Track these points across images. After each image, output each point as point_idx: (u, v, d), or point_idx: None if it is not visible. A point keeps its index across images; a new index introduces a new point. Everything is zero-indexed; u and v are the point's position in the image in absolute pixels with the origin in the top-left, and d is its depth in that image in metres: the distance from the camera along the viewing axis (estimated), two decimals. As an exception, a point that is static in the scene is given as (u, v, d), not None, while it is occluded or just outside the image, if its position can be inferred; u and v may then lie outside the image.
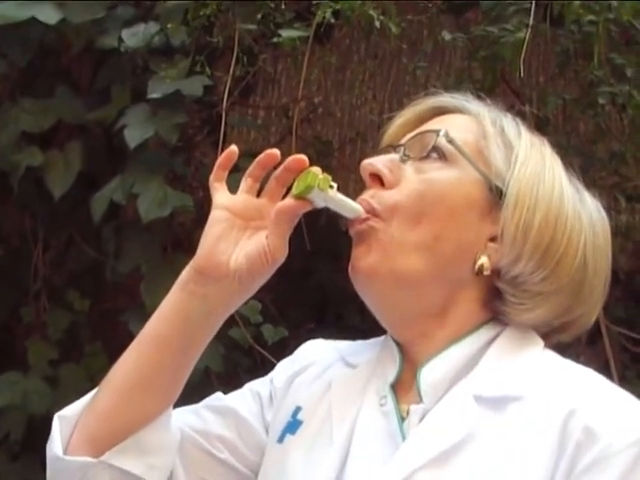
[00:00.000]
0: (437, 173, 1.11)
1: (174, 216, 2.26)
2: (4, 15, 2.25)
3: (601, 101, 2.21)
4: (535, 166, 1.12)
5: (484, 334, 1.11)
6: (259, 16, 1.99)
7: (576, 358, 1.09)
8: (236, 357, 2.41)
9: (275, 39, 1.96)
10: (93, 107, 2.38)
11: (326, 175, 1.06)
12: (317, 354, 1.27)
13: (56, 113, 2.40)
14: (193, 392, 2.56)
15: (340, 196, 1.08)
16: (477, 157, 1.12)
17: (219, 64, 2.25)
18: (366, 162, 1.12)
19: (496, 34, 2.16)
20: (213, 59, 2.20)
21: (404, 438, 1.07)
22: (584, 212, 1.13)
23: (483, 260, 1.09)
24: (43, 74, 2.45)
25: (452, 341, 1.10)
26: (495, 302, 1.11)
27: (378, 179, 1.11)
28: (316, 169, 1.06)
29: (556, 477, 0.96)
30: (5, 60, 2.38)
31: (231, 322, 2.25)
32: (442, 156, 1.11)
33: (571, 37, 2.25)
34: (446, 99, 1.19)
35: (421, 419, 1.07)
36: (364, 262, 1.10)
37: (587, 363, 1.06)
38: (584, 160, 2.56)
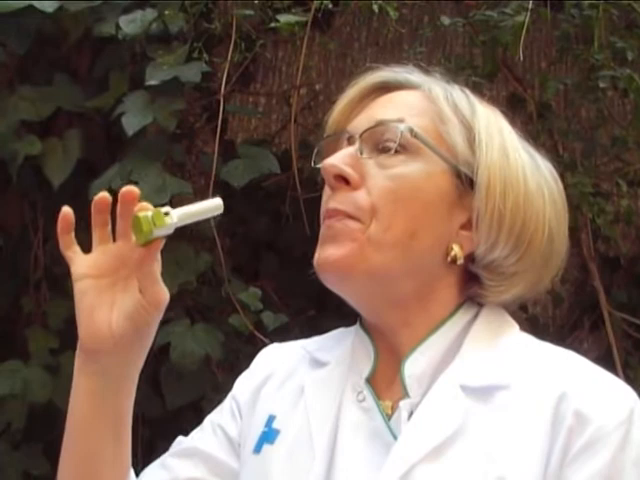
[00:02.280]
0: (404, 168, 1.09)
1: (179, 203, 2.27)
2: (2, 4, 2.26)
3: (602, 85, 2.21)
4: (499, 147, 1.11)
5: (461, 317, 1.11)
6: (256, 1, 1.98)
7: (579, 345, 1.09)
8: (236, 344, 2.41)
9: (273, 24, 1.96)
10: (92, 95, 2.39)
11: (157, 209, 1.03)
12: (276, 361, 1.25)
13: (55, 101, 2.40)
14: (194, 380, 2.57)
15: (187, 209, 1.05)
16: (439, 144, 1.10)
17: (218, 51, 2.25)
18: (328, 163, 1.10)
19: (496, 18, 2.16)
20: (212, 46, 2.20)
21: (394, 435, 1.07)
22: (543, 182, 1.13)
23: (456, 250, 1.09)
24: (41, 62, 2.45)
25: (432, 329, 1.10)
26: (471, 285, 1.12)
27: (343, 179, 1.09)
28: (142, 212, 1.02)
29: (551, 461, 0.98)
30: (3, 49, 2.39)
31: (231, 309, 2.26)
32: (405, 149, 1.09)
33: (571, 21, 2.25)
34: (389, 74, 1.16)
35: (410, 414, 1.06)
36: (338, 261, 1.09)
37: (590, 350, 1.06)
38: (586, 145, 2.56)
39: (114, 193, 2.24)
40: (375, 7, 1.91)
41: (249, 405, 1.22)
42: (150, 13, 2.24)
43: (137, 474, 1.19)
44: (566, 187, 1.16)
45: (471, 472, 1.00)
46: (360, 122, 1.12)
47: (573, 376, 1.04)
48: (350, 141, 1.12)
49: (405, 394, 1.07)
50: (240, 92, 2.72)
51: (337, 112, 1.17)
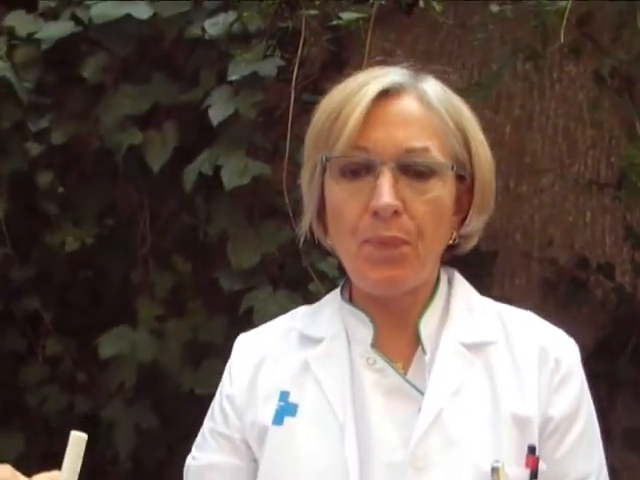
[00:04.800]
0: (436, 192, 1.29)
1: (259, 184, 2.57)
2: (103, 14, 2.64)
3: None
4: (481, 141, 1.34)
5: (443, 281, 1.38)
6: (318, 2, 2.26)
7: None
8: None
9: (335, 22, 2.24)
10: (185, 90, 2.72)
11: None
12: (261, 344, 1.43)
13: (153, 97, 2.74)
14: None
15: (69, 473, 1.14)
16: (448, 156, 1.31)
17: (293, 46, 2.54)
18: (385, 204, 1.25)
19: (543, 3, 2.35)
20: (285, 42, 2.50)
21: (415, 388, 1.31)
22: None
23: (455, 234, 1.35)
24: (141, 63, 2.79)
25: (429, 294, 1.36)
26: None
27: (395, 211, 1.27)
28: None
29: (541, 393, 1.32)
30: (107, 53, 2.76)
31: (309, 277, 2.54)
32: (433, 173, 1.29)
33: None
34: (388, 81, 1.30)
35: (429, 366, 1.31)
36: (397, 281, 1.30)
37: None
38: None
39: (205, 177, 2.55)
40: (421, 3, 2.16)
41: (247, 391, 1.39)
42: (231, 15, 2.57)
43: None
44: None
45: (484, 408, 1.30)
46: (384, 146, 1.28)
47: (542, 331, 1.37)
48: (377, 166, 1.28)
49: (422, 352, 1.32)
50: (329, 80, 2.99)
51: (349, 129, 1.28)
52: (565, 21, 2.24)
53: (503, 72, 2.49)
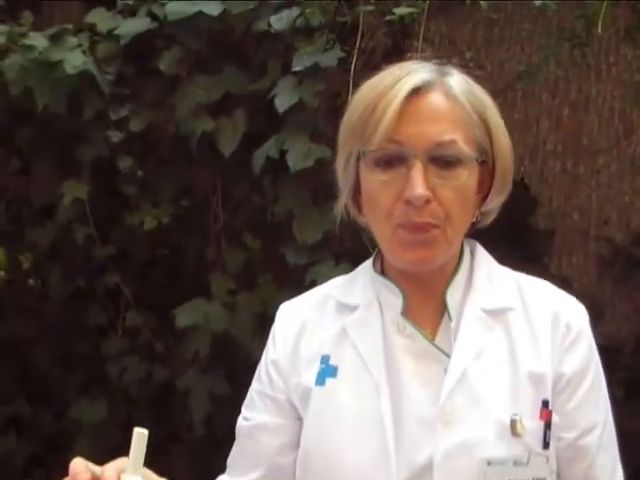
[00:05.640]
0: (462, 179, 1.43)
1: (322, 166, 2.83)
2: (177, 11, 2.92)
3: None
4: (503, 131, 1.48)
5: (466, 254, 1.54)
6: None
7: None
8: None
9: (388, 17, 2.52)
10: (253, 80, 2.97)
11: None
12: (302, 313, 1.57)
13: (224, 87, 2.99)
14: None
15: (135, 464, 1.27)
16: (472, 146, 1.44)
17: (352, 39, 2.82)
18: (418, 195, 1.39)
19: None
20: (345, 36, 2.78)
21: (442, 351, 1.46)
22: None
23: (477, 213, 1.50)
24: (212, 56, 3.04)
25: (455, 266, 1.52)
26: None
27: (426, 200, 1.41)
28: None
29: (554, 355, 1.48)
30: (181, 46, 3.02)
31: (368, 252, 2.81)
32: (459, 162, 1.43)
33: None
34: (418, 79, 1.43)
35: (455, 331, 1.47)
36: (429, 260, 1.45)
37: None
38: None
39: (272, 161, 2.81)
40: (470, -1, 2.41)
41: (291, 355, 1.53)
42: (295, 11, 2.83)
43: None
44: None
45: (503, 368, 1.46)
46: (415, 141, 1.41)
47: (555, 298, 1.53)
48: (410, 158, 1.41)
49: (449, 319, 1.48)
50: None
51: (385, 124, 1.40)
52: (604, 9, 2.46)
53: (549, 59, 2.71)
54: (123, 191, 3.15)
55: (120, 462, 1.29)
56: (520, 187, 3.53)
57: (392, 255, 1.47)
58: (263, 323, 2.96)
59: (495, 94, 1.52)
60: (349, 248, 2.83)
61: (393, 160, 1.42)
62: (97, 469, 1.27)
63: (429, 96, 1.43)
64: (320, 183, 2.82)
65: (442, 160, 1.42)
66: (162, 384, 3.28)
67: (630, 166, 3.66)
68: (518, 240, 3.49)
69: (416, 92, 1.42)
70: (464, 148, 1.43)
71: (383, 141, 1.41)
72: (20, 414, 3.51)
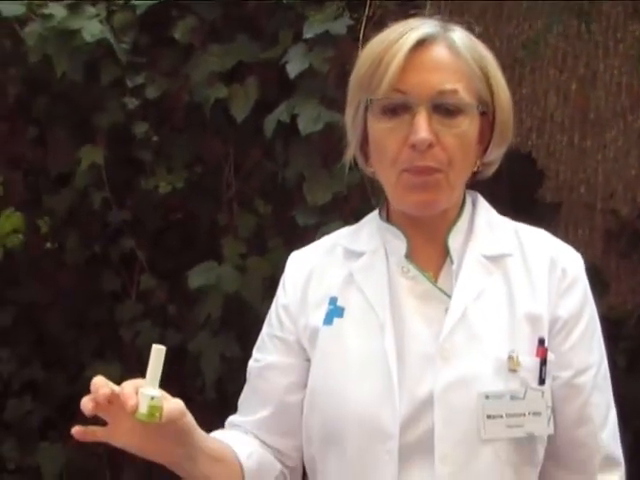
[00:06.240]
0: (463, 127, 1.53)
1: (332, 130, 2.89)
2: (192, -20, 3.06)
3: None
4: (503, 85, 1.58)
5: (468, 202, 1.64)
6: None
7: None
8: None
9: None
10: (265, 48, 3.11)
11: (151, 403, 1.35)
12: (310, 260, 1.67)
13: (237, 55, 3.12)
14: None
15: (153, 377, 1.38)
16: (473, 96, 1.54)
17: (361, 7, 2.97)
18: (422, 138, 1.49)
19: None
20: (355, 4, 2.94)
21: (444, 292, 1.56)
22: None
23: (478, 162, 1.60)
24: (226, 25, 3.18)
25: (457, 214, 1.61)
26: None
27: (429, 144, 1.50)
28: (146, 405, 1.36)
29: (551, 298, 1.59)
30: (196, 16, 3.16)
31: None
32: (460, 111, 1.53)
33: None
34: (423, 32, 1.53)
35: (456, 274, 1.57)
36: (432, 203, 1.55)
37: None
38: None
39: (282, 125, 2.93)
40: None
41: (300, 299, 1.63)
42: (306, -19, 3.00)
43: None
44: None
45: (501, 309, 1.56)
46: (419, 89, 1.51)
47: (552, 245, 1.63)
48: (417, 102, 1.50)
49: (450, 262, 1.58)
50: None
51: (390, 74, 1.50)
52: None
53: (552, 27, 2.84)
54: (138, 157, 3.26)
55: (138, 381, 1.39)
56: (527, 161, 3.65)
57: (397, 199, 1.58)
58: (273, 286, 3.04)
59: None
60: (357, 210, 2.93)
61: (398, 108, 1.52)
62: (116, 387, 1.38)
63: (432, 48, 1.53)
64: (330, 147, 2.92)
65: (444, 108, 1.52)
66: (175, 348, 3.33)
67: (636, 140, 3.73)
68: (525, 213, 3.54)
69: (420, 44, 1.52)
70: (465, 97, 1.53)
71: (389, 90, 1.51)
72: (35, 378, 3.63)
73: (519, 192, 3.43)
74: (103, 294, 3.57)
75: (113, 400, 1.37)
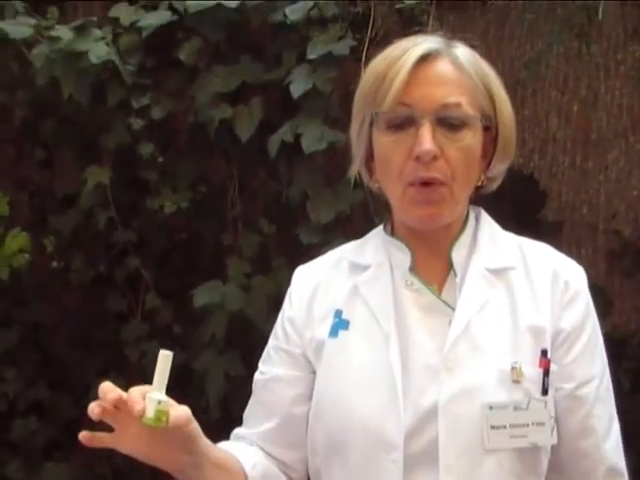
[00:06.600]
0: (467, 140, 1.55)
1: (336, 150, 2.95)
2: (196, 4, 3.09)
3: None
4: (505, 100, 1.60)
5: (471, 216, 1.67)
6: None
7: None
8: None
9: (398, 6, 2.70)
10: (269, 69, 3.14)
11: (158, 407, 1.37)
12: (316, 274, 1.70)
13: (241, 76, 3.14)
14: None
15: (160, 382, 1.42)
16: (476, 110, 1.56)
17: (364, 28, 3.00)
18: (426, 150, 1.52)
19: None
20: (357, 26, 2.97)
21: (448, 305, 1.58)
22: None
23: (482, 177, 1.63)
24: (230, 47, 3.20)
25: (460, 228, 1.64)
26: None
27: (434, 156, 1.53)
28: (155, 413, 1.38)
29: (553, 311, 1.60)
30: (201, 38, 3.18)
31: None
32: (464, 124, 1.55)
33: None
34: (426, 47, 1.56)
35: (459, 287, 1.59)
36: (436, 218, 1.57)
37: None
38: None
39: (286, 145, 2.94)
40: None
41: (305, 312, 1.65)
42: (309, 3, 3.01)
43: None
44: None
45: (504, 321, 1.58)
46: (423, 102, 1.54)
47: (555, 259, 1.66)
48: (422, 116, 1.53)
49: (454, 275, 1.60)
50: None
51: (395, 89, 1.53)
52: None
53: (552, 47, 2.86)
54: (144, 177, 3.28)
55: (144, 387, 1.42)
56: (530, 182, 3.67)
57: (403, 213, 1.61)
58: (277, 305, 3.05)
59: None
60: (360, 229, 2.95)
61: (403, 123, 1.55)
62: (123, 393, 1.41)
63: (436, 63, 1.56)
64: (333, 166, 2.97)
65: (448, 122, 1.54)
66: (180, 367, 3.32)
67: (638, 161, 3.74)
68: (528, 233, 3.61)
69: (424, 59, 1.55)
70: (469, 111, 1.55)
71: (394, 104, 1.53)
72: (41, 398, 3.63)
73: (522, 213, 3.44)
74: (108, 314, 3.58)
75: (120, 406, 1.39)
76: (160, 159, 3.25)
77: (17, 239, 3.23)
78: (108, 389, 1.41)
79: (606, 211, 3.79)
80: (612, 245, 3.74)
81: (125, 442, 1.45)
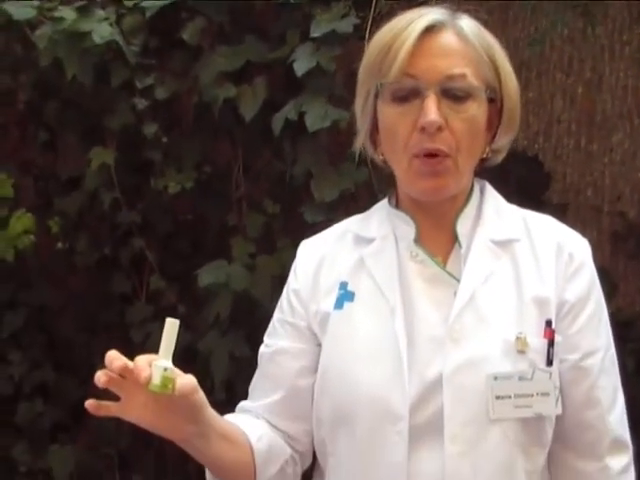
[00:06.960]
0: (471, 111, 1.56)
1: (340, 128, 2.93)
2: (201, -16, 3.09)
3: None
4: (510, 72, 1.60)
5: (476, 189, 1.68)
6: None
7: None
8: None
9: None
10: (273, 49, 3.12)
11: (164, 374, 1.38)
12: (320, 247, 1.71)
13: (245, 55, 3.12)
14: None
15: (167, 349, 1.41)
16: (481, 82, 1.56)
17: (367, 6, 2.97)
18: (431, 120, 1.52)
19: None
20: (361, 3, 2.95)
21: (452, 276, 1.59)
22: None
23: (487, 149, 1.63)
24: (234, 26, 3.19)
25: (466, 199, 1.64)
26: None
27: (439, 127, 1.53)
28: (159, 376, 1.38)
29: (558, 282, 1.61)
30: (204, 18, 3.18)
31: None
32: (469, 95, 1.56)
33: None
34: (431, 19, 1.56)
35: (464, 258, 1.60)
36: (442, 189, 1.57)
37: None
38: None
39: (290, 123, 2.93)
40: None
41: (311, 285, 1.66)
42: (313, -19, 3.02)
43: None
44: None
45: (509, 292, 1.59)
46: (428, 74, 1.54)
47: (559, 231, 1.66)
48: (427, 87, 1.53)
49: (458, 247, 1.61)
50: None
51: (400, 59, 1.54)
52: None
53: (556, 25, 2.84)
54: (148, 157, 3.27)
55: (151, 355, 1.42)
56: (534, 164, 3.66)
57: (408, 184, 1.61)
58: (282, 284, 3.09)
59: None
60: (364, 207, 2.95)
61: (408, 95, 1.56)
62: (129, 362, 1.42)
63: (441, 35, 1.57)
64: (337, 144, 2.96)
65: (453, 93, 1.55)
66: (184, 349, 3.28)
67: None
68: None
69: (429, 31, 1.56)
70: (474, 82, 1.56)
71: (399, 75, 1.54)
72: (46, 380, 3.64)
73: (526, 195, 3.40)
74: (113, 296, 3.58)
75: (126, 374, 1.40)
76: (164, 139, 3.24)
77: (22, 220, 3.23)
78: (114, 357, 1.41)
79: (611, 193, 3.81)
80: (617, 227, 3.75)
81: (131, 411, 1.45)
